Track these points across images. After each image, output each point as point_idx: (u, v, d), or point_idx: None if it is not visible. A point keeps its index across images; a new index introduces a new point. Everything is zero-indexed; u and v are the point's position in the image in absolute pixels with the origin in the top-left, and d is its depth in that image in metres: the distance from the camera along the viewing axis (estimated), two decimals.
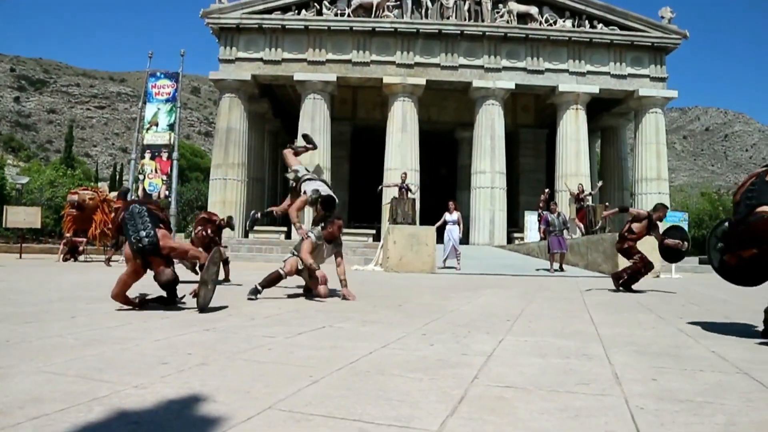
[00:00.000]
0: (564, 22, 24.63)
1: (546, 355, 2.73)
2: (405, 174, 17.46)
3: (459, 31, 24.07)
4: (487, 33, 24.14)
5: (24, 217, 16.83)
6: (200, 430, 1.47)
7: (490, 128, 24.20)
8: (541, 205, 19.25)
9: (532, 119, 30.41)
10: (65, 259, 13.74)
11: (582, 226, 16.81)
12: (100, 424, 1.50)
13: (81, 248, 14.47)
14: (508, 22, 24.48)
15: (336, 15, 24.11)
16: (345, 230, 24.48)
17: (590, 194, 19.75)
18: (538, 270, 13.77)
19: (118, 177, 58.04)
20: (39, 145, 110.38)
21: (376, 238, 22.31)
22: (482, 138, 24.26)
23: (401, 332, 3.41)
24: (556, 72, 24.51)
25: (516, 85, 24.33)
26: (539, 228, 16.73)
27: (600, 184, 21.75)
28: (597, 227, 15.77)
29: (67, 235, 14.57)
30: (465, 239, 18.41)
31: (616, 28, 24.58)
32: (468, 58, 24.40)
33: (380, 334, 3.33)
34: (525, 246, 19.86)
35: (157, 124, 17.68)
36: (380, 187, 19.83)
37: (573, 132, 24.31)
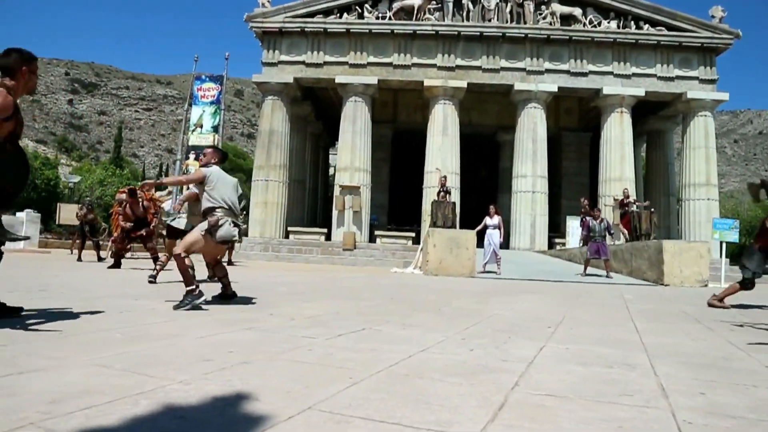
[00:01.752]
0: (608, 23, 24.13)
1: (588, 363, 2.68)
2: (445, 177, 17.37)
3: (501, 34, 23.85)
4: (529, 35, 23.86)
5: (75, 213, 17.43)
6: (243, 428, 1.50)
7: (532, 131, 23.90)
8: (582, 210, 18.90)
9: (576, 122, 29.88)
10: (113, 257, 14.08)
11: (626, 232, 16.39)
12: (147, 417, 1.54)
13: (128, 246, 14.80)
14: (551, 24, 24.14)
15: (377, 18, 24.21)
16: (385, 232, 24.59)
17: (635, 200, 19.25)
18: (576, 274, 13.55)
19: (163, 176, 59.56)
20: (90, 145, 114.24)
21: (416, 241, 22.28)
22: (524, 141, 23.97)
23: (440, 336, 3.39)
24: (600, 74, 24.02)
25: (559, 87, 23.96)
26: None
27: (646, 203, 20.42)
28: (642, 233, 15.36)
29: (115, 234, 14.95)
30: (505, 244, 18.22)
31: (663, 28, 23.94)
32: (510, 61, 24.16)
33: (419, 337, 3.32)
34: (567, 251, 19.52)
35: (201, 126, 18.09)
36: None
37: (617, 135, 23.78)
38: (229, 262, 14.66)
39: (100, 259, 13.40)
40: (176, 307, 4.18)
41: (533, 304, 6.30)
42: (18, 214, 17.27)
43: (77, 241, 14.73)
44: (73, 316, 3.58)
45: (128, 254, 15.25)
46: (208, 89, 18.45)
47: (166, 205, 11.81)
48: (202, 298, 4.30)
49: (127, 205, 9.72)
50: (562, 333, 3.79)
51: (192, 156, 17.88)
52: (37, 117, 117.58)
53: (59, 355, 2.30)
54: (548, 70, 24.10)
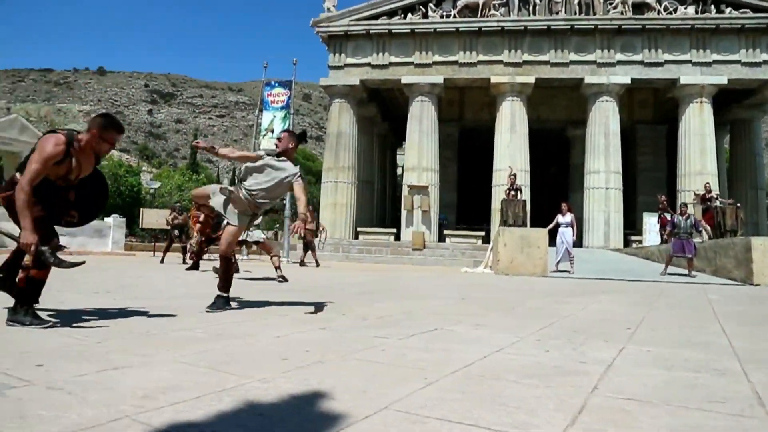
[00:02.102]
0: (686, 8, 23.00)
1: (672, 367, 2.56)
2: (515, 175, 17.08)
3: (569, 26, 23.20)
4: (599, 26, 23.07)
5: (157, 218, 18.34)
6: (320, 426, 1.53)
7: (603, 125, 23.12)
8: (660, 207, 18.10)
9: (651, 115, 28.61)
10: (191, 259, 14.64)
11: (709, 228, 15.56)
12: (230, 414, 1.60)
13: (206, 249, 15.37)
14: (622, 13, 23.24)
15: (441, 17, 24.11)
16: (454, 232, 24.45)
17: (718, 195, 18.24)
18: (659, 274, 12.97)
19: (237, 182, 61.64)
20: (168, 152, 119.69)
21: (486, 240, 22.02)
22: (595, 136, 23.22)
23: (514, 337, 3.34)
24: (677, 63, 22.91)
25: (632, 79, 23.05)
26: (662, 230, 15.73)
27: (730, 201, 19.23)
28: (727, 230, 14.54)
29: (195, 235, 15.55)
30: (578, 242, 17.70)
31: (748, 10, 22.55)
32: (579, 54, 23.47)
33: (493, 337, 3.28)
34: (643, 249, 18.73)
35: (272, 131, 18.60)
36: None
37: (697, 127, 22.61)
38: (316, 263, 15.05)
39: (185, 262, 13.82)
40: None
41: (610, 304, 6.09)
42: (105, 219, 18.33)
43: (165, 244, 15.39)
44: (157, 315, 3.76)
45: (205, 256, 15.85)
46: (277, 94, 18.95)
47: None
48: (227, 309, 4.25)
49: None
50: (642, 334, 3.65)
51: None
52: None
53: (147, 353, 2.43)
54: (620, 62, 23.22)
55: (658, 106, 27.97)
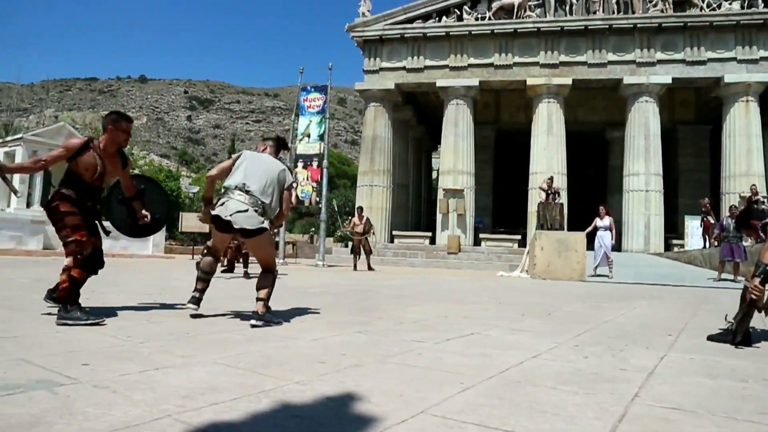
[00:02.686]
0: (730, 4, 22.26)
1: (717, 375, 2.48)
2: (551, 178, 16.84)
3: (607, 26, 22.75)
4: (638, 25, 22.54)
5: (196, 222, 18.70)
6: (356, 429, 1.53)
7: (643, 127, 22.57)
8: (703, 210, 17.57)
9: (693, 115, 27.78)
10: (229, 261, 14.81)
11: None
12: (268, 414, 1.63)
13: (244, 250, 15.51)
14: (662, 11, 22.65)
15: (477, 19, 23.95)
16: (490, 235, 24.18)
17: (765, 197, 17.60)
18: (708, 279, 12.56)
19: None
20: (206, 157, 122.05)
21: (522, 243, 21.76)
22: (635, 138, 22.69)
23: (552, 342, 3.29)
24: (720, 61, 22.20)
25: (673, 78, 22.43)
26: (705, 234, 15.29)
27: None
28: None
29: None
30: (617, 246, 17.34)
31: None
32: (618, 54, 22.98)
33: (530, 343, 3.24)
34: (686, 254, 18.22)
35: (309, 136, 18.76)
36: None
37: (743, 127, 21.86)
38: (368, 267, 15.04)
39: (223, 265, 13.95)
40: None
41: (650, 310, 5.95)
42: None
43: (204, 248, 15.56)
44: (195, 316, 3.83)
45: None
46: (313, 99, 19.11)
47: None
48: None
49: None
50: (685, 341, 3.55)
51: (300, 164, 18.60)
52: (160, 133, 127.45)
53: (187, 354, 2.48)
54: (660, 61, 22.63)
55: (700, 105, 27.16)
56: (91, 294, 5.18)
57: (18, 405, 1.60)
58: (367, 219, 15.96)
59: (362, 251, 15.11)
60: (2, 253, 13.22)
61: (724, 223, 12.48)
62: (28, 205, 16.44)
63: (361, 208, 16.21)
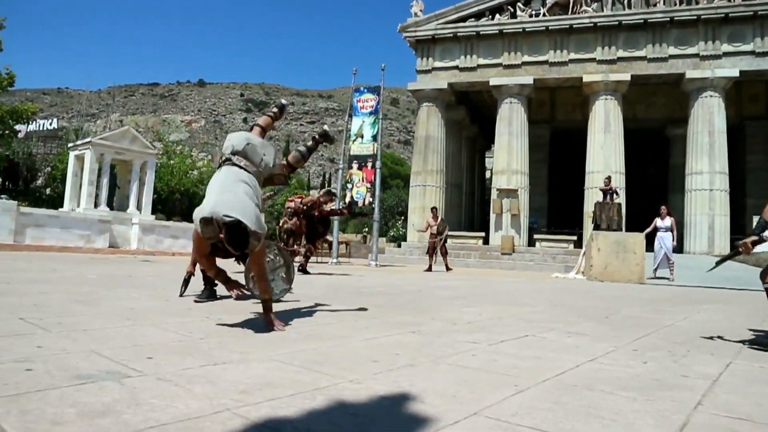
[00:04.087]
0: None
1: None
2: (609, 178, 16.39)
3: (668, 19, 21.94)
4: (702, 17, 21.63)
5: None
6: (410, 428, 1.54)
7: (707, 123, 21.66)
8: None
9: (763, 110, 26.40)
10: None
11: None
12: (323, 412, 1.65)
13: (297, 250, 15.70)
14: (729, 0, 21.64)
15: (531, 16, 23.57)
16: (545, 236, 23.77)
17: None
18: None
19: (326, 185, 63.21)
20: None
21: (578, 244, 21.27)
22: (698, 134, 21.80)
23: (609, 346, 3.21)
24: None
25: (740, 72, 21.43)
26: None
27: None
28: None
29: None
30: (678, 247, 16.71)
31: None
32: (679, 47, 22.12)
33: (586, 346, 3.17)
34: (754, 256, 17.32)
35: (362, 136, 18.91)
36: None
37: None
38: (446, 268, 14.95)
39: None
40: None
41: (715, 314, 5.71)
42: None
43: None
44: (253, 314, 3.93)
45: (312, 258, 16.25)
46: (366, 100, 19.26)
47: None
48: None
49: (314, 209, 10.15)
50: (753, 349, 3.40)
51: (355, 165, 18.78)
52: (218, 136, 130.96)
53: (244, 350, 2.55)
54: (727, 53, 21.63)
55: None
56: (154, 290, 5.39)
57: (91, 394, 1.69)
58: (442, 219, 15.73)
59: (438, 252, 14.95)
60: (72, 251, 13.91)
61: None
62: (96, 205, 17.22)
63: (435, 209, 16.02)
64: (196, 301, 4.56)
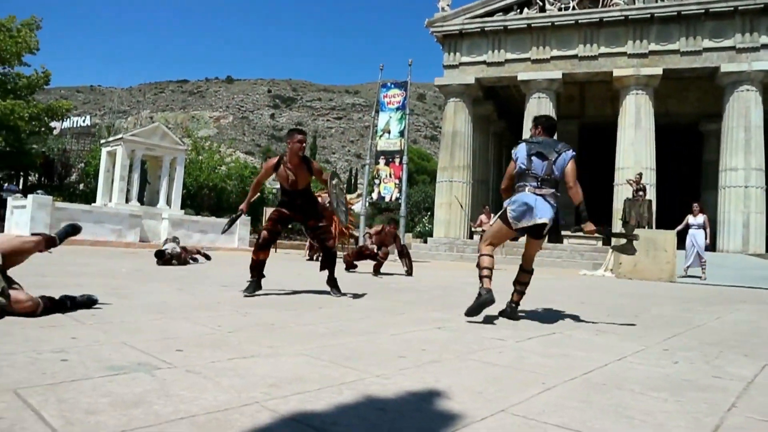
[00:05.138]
0: None
1: None
2: (640, 174, 16.10)
3: (703, 11, 21.35)
4: (739, 8, 20.96)
5: None
6: (438, 424, 1.55)
7: (743, 118, 21.05)
8: None
9: None
10: (311, 257, 15.09)
11: None
12: (350, 406, 1.67)
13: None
14: None
15: (560, 9, 23.19)
16: (572, 233, 23.43)
17: None
18: None
19: (353, 181, 63.40)
20: None
21: (606, 242, 20.95)
22: (733, 130, 21.22)
23: (639, 345, 3.16)
24: None
25: None
26: None
27: None
28: None
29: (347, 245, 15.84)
30: (711, 246, 16.35)
31: None
32: (714, 40, 21.52)
33: (615, 345, 3.13)
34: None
35: (389, 132, 18.91)
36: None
37: None
38: None
39: (313, 259, 14.33)
40: None
41: (750, 315, 5.58)
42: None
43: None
44: (280, 308, 3.97)
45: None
46: (393, 96, 19.24)
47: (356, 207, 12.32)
48: None
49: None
50: None
51: (382, 161, 18.79)
52: (245, 131, 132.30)
53: (273, 344, 2.58)
54: (765, 45, 20.94)
55: None
56: (185, 285, 5.48)
57: (123, 385, 1.73)
58: (494, 215, 15.42)
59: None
60: (105, 245, 14.21)
61: None
62: (127, 200, 17.55)
63: (488, 206, 15.77)
64: (245, 296, 4.64)
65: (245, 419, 1.48)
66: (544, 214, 3.96)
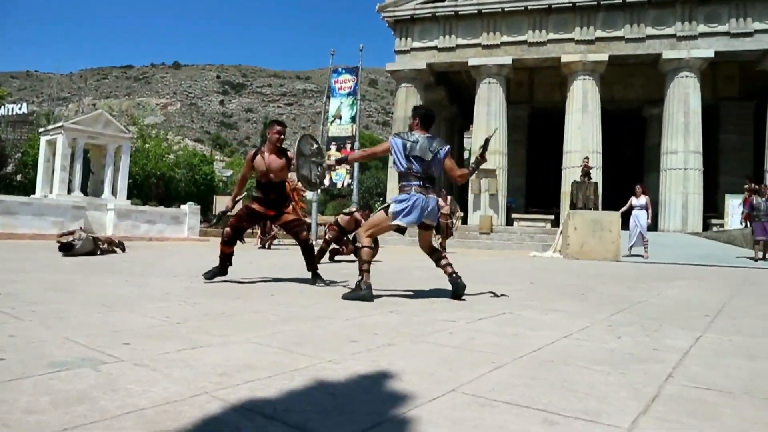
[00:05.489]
0: None
1: (756, 357, 2.43)
2: (587, 158, 16.54)
3: None
4: None
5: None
6: (389, 407, 1.56)
7: (683, 103, 21.91)
8: (747, 189, 17.11)
9: (737, 90, 26.74)
10: (262, 245, 14.91)
11: None
12: (302, 392, 1.66)
13: (274, 234, 15.51)
14: None
15: None
16: (523, 215, 23.90)
17: None
18: (738, 258, 12.32)
19: None
20: (239, 141, 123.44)
21: (555, 223, 21.51)
22: (674, 115, 22.06)
23: (585, 322, 3.27)
24: None
25: (716, 52, 21.66)
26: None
27: None
28: None
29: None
30: (653, 226, 17.00)
31: None
32: (657, 28, 22.25)
33: (563, 323, 3.23)
34: (725, 233, 17.75)
35: (340, 117, 18.82)
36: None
37: None
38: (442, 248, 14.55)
39: (264, 246, 14.24)
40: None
41: (687, 290, 5.84)
42: (182, 206, 19.15)
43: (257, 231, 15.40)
44: (231, 297, 3.92)
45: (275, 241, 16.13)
46: (344, 81, 19.14)
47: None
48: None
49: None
50: (722, 323, 3.48)
51: (333, 147, 18.68)
52: (194, 118, 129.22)
53: (223, 333, 2.54)
54: (703, 34, 21.82)
55: (745, 80, 26.10)
56: (131, 276, 5.34)
57: (65, 381, 1.67)
58: (452, 199, 15.17)
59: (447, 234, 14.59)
60: (46, 238, 13.68)
61: (754, 202, 12.23)
62: (69, 191, 16.91)
63: (443, 190, 15.72)
64: (204, 280, 4.88)
65: (195, 410, 1.46)
66: (430, 215, 4.19)
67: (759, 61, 22.24)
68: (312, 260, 5.24)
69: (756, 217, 12.12)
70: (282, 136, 5.10)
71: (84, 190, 17.58)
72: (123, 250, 9.66)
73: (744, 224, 14.66)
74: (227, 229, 5.16)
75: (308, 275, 5.21)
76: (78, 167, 17.30)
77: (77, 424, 1.33)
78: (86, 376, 1.74)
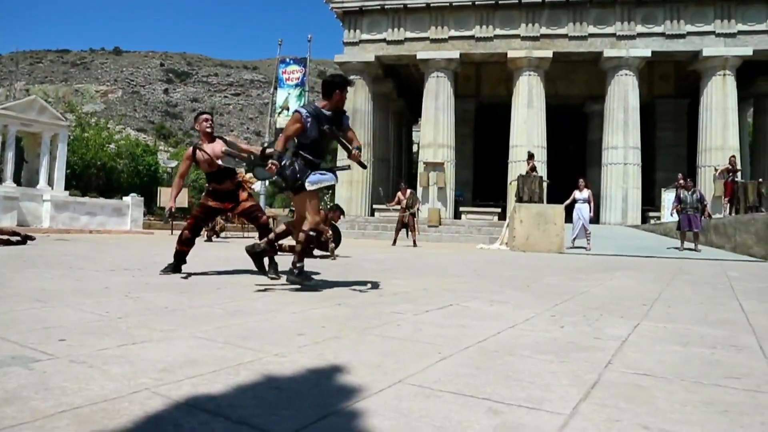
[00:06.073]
0: None
1: (688, 343, 2.55)
2: (532, 155, 16.92)
3: None
4: None
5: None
6: (335, 399, 1.55)
7: (623, 100, 22.72)
8: (677, 184, 17.93)
9: (672, 89, 27.98)
10: (209, 238, 14.63)
11: (726, 201, 15.51)
12: (247, 387, 1.64)
13: (219, 227, 15.28)
14: None
15: None
16: (470, 208, 24.23)
17: (739, 169, 17.91)
18: (668, 249, 12.99)
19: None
20: (185, 131, 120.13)
21: (502, 216, 21.94)
22: (614, 111, 22.85)
23: (530, 313, 3.34)
24: (699, 35, 22.31)
25: (652, 52, 22.54)
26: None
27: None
28: (749, 206, 14.38)
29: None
30: (595, 219, 17.57)
31: None
32: (598, 26, 22.95)
33: (508, 314, 3.29)
34: (662, 226, 18.55)
35: (288, 108, 18.59)
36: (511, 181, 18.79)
37: (719, 101, 22.12)
38: (413, 243, 14.60)
39: (210, 239, 13.97)
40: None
41: (626, 281, 6.06)
42: (124, 198, 18.54)
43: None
44: (174, 291, 3.82)
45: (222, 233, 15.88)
46: (292, 72, 18.92)
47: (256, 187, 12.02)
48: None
49: None
50: (658, 311, 3.63)
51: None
52: (137, 107, 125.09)
53: (166, 328, 2.47)
54: (641, 34, 22.68)
55: (679, 79, 27.35)
56: (68, 269, 5.12)
57: None
58: (412, 193, 15.16)
59: (407, 227, 14.62)
60: None
61: (681, 195, 12.92)
62: (1, 180, 16.10)
63: (404, 183, 15.68)
64: (160, 273, 4.92)
65: (135, 407, 1.41)
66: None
67: (691, 62, 23.27)
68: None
69: (683, 210, 12.80)
70: (210, 122, 5.20)
71: (17, 180, 16.76)
72: (29, 239, 9.18)
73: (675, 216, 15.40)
74: (186, 231, 5.20)
75: (255, 268, 5.13)
76: (10, 156, 16.45)
77: (4, 426, 1.27)
78: (17, 375, 1.66)
